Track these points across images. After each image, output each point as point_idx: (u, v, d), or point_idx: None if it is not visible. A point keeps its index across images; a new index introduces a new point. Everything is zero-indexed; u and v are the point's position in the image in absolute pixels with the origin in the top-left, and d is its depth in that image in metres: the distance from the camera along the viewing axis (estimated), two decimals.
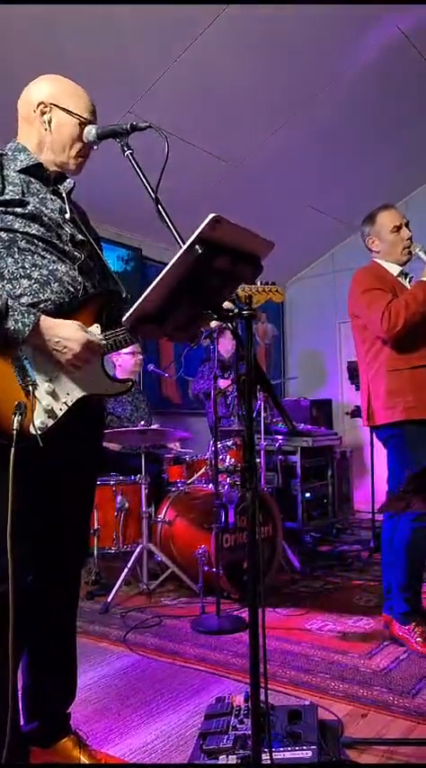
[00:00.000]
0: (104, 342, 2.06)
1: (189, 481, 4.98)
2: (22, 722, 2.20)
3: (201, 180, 6.26)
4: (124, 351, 5.19)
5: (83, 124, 2.14)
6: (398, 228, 3.50)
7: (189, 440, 5.49)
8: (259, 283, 3.12)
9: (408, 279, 3.52)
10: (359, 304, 3.43)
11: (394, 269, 3.52)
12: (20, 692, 2.18)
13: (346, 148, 6.61)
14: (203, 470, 5.01)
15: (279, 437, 5.72)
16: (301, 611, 3.99)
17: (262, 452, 5.26)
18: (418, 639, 3.28)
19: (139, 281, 6.86)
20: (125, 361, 5.34)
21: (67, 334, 1.97)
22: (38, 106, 2.14)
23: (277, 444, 5.68)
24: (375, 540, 5.70)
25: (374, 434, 4.02)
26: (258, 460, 5.13)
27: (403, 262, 3.52)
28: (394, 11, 5.02)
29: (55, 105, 2.13)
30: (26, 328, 1.91)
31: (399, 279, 3.50)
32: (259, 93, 5.52)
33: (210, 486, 4.46)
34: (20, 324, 1.90)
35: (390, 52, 5.45)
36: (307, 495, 5.83)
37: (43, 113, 2.13)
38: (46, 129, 2.14)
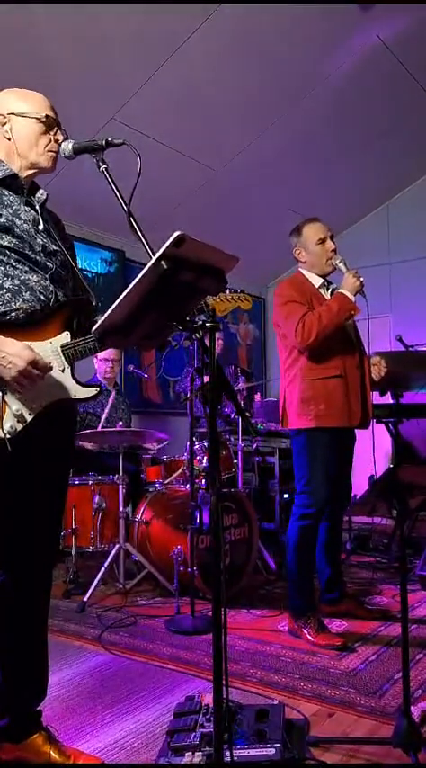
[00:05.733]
0: (51, 365, 2.06)
1: (166, 481, 5.01)
2: None
3: (184, 184, 6.33)
4: (99, 356, 5.27)
5: (42, 121, 2.20)
6: (322, 241, 3.66)
7: (168, 439, 5.52)
8: (228, 291, 3.19)
9: (330, 290, 3.70)
10: (279, 315, 3.62)
11: (317, 280, 3.70)
12: None
13: (327, 153, 6.70)
14: (180, 471, 5.05)
15: (257, 438, 5.76)
16: (275, 613, 4.04)
17: (240, 453, 5.29)
18: (310, 630, 3.49)
19: (122, 282, 6.90)
20: (98, 367, 5.42)
21: (13, 350, 1.97)
22: None
23: (254, 445, 5.72)
24: (351, 543, 5.77)
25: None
26: (235, 461, 5.17)
27: (328, 272, 3.71)
28: (372, 19, 5.09)
29: (11, 114, 2.19)
30: None
31: (320, 290, 3.68)
32: (241, 100, 5.58)
33: (188, 486, 4.51)
34: None
35: (369, 60, 5.53)
36: (285, 496, 5.87)
37: (3, 125, 2.20)
38: (9, 139, 2.19)
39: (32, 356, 1.99)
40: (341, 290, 3.54)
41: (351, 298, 3.50)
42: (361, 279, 3.54)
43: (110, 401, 5.20)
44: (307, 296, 3.61)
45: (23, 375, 1.98)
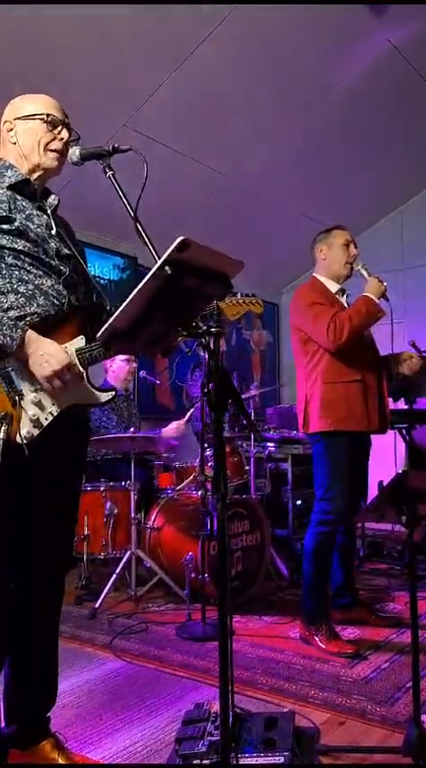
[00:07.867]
0: (83, 371, 2.10)
1: (178, 488, 5.00)
2: (1, 724, 2.25)
3: (196, 191, 6.33)
4: (119, 357, 5.24)
5: (44, 120, 2.21)
6: (348, 245, 3.74)
7: (180, 446, 5.51)
8: (239, 295, 3.21)
9: (345, 295, 3.76)
10: (305, 317, 3.63)
11: (333, 286, 3.75)
12: (0, 695, 2.22)
13: (339, 158, 6.68)
14: (192, 477, 5.03)
15: (270, 444, 5.73)
16: (286, 620, 4.01)
17: (252, 459, 5.27)
18: (322, 638, 3.48)
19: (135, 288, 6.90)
20: (119, 368, 5.38)
21: (52, 350, 2.02)
22: (3, 125, 2.24)
23: (267, 451, 5.69)
24: (365, 549, 5.73)
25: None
26: (247, 468, 5.15)
27: (343, 275, 3.76)
28: (384, 24, 5.07)
29: (17, 119, 2.22)
30: (14, 342, 1.97)
31: (337, 296, 3.72)
32: (252, 106, 5.58)
33: (199, 493, 4.49)
34: (8, 338, 1.97)
35: (381, 64, 5.52)
36: (298, 502, 5.84)
37: (9, 131, 2.23)
38: (14, 143, 2.22)
39: (69, 360, 2.04)
40: (366, 293, 3.57)
41: (376, 301, 3.56)
42: (385, 283, 3.59)
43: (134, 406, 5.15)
44: (330, 300, 3.66)
45: (56, 376, 2.01)
